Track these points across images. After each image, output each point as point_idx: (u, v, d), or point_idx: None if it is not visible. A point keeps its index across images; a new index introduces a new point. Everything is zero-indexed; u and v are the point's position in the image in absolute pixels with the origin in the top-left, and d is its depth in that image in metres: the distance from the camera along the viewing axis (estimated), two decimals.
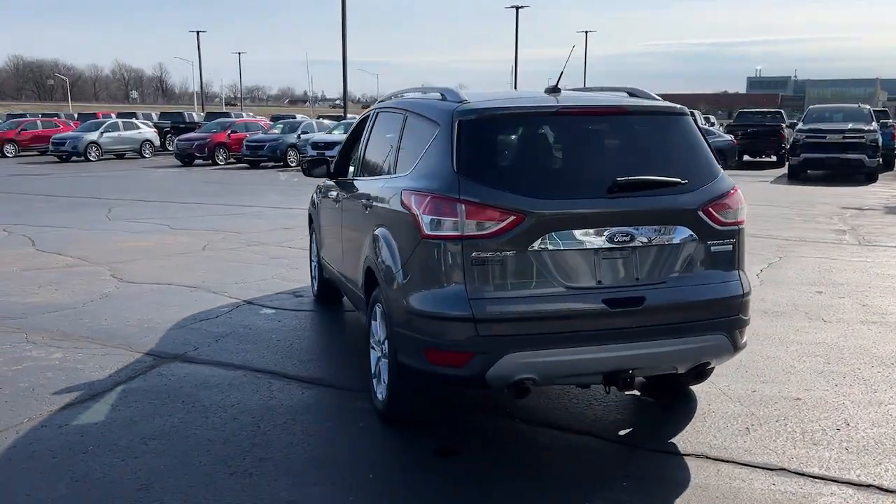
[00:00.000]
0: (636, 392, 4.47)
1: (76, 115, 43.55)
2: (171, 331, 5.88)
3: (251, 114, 45.31)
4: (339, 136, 26.29)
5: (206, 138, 28.26)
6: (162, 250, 9.50)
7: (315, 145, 25.85)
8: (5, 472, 3.59)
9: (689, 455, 3.75)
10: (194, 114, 43.06)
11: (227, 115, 39.91)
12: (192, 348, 5.44)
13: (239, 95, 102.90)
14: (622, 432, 4.07)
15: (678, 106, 4.01)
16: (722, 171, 3.89)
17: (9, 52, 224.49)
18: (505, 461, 3.71)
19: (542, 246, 3.45)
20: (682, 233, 3.66)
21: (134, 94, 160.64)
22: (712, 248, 3.75)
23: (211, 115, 39.91)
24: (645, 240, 3.59)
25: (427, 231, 3.48)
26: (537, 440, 3.97)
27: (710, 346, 3.72)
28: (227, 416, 4.21)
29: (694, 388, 4.52)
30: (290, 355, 5.27)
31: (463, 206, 3.41)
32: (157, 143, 33.08)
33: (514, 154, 3.76)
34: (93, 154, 30.41)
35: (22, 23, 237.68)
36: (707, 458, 3.72)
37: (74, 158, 29.98)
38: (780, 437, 3.93)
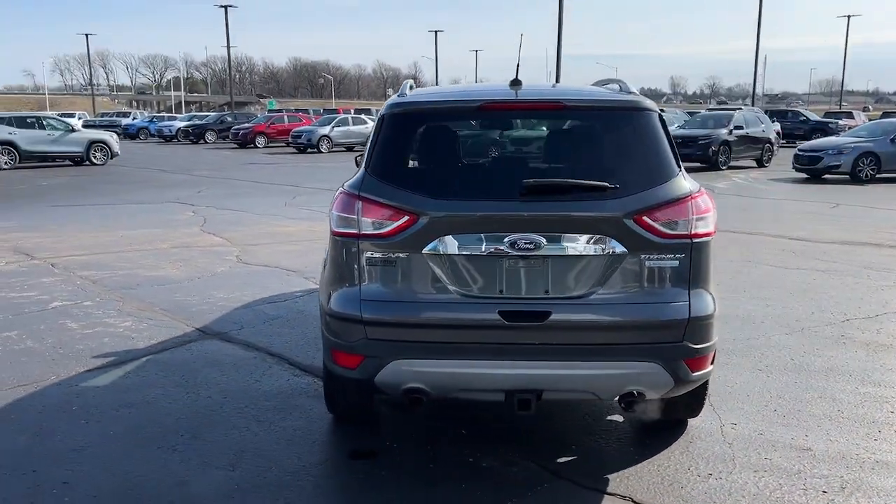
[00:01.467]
0: (617, 416, 4.05)
1: (322, 111, 47.62)
2: (235, 310, 6.30)
3: None
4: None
5: None
6: (301, 235, 10.15)
7: None
8: None
9: (612, 494, 3.33)
10: None
11: None
12: (237, 328, 5.79)
13: None
14: (562, 459, 3.69)
15: (637, 101, 3.51)
16: (679, 174, 3.37)
17: (290, 54, 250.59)
18: (414, 469, 3.54)
19: (437, 249, 3.23)
20: (605, 243, 3.22)
21: (390, 91, 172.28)
22: (648, 262, 3.26)
23: None
24: (557, 249, 3.22)
25: (333, 228, 3.42)
26: (459, 452, 3.73)
27: (638, 375, 3.25)
28: (202, 395, 4.45)
29: (696, 419, 4.00)
30: (310, 344, 5.42)
31: (360, 204, 3.30)
32: None
33: (424, 151, 3.54)
34: (324, 146, 33.18)
35: (302, 29, 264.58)
36: (632, 501, 3.27)
37: (310, 150, 32.91)
38: (744, 491, 3.34)
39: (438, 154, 3.51)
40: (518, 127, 3.53)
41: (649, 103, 3.48)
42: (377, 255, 3.28)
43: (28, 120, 24.86)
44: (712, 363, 3.47)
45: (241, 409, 4.24)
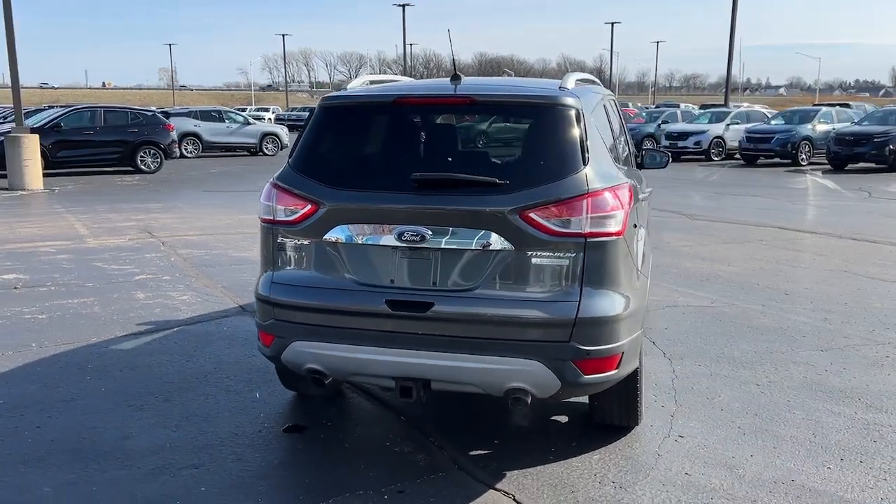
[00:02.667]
0: (562, 416, 4.01)
1: None
2: None
3: (640, 105, 44.79)
4: (698, 125, 25.02)
5: None
6: None
7: (669, 135, 25.00)
8: (18, 372, 4.78)
9: (498, 490, 3.33)
10: None
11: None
12: None
13: (654, 82, 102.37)
14: (475, 452, 3.71)
15: (548, 97, 3.44)
16: (583, 170, 3.27)
17: (476, 49, 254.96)
18: (330, 448, 3.74)
19: (335, 238, 3.38)
20: (491, 239, 3.22)
21: None
22: (535, 260, 3.21)
23: None
24: (444, 243, 3.26)
25: (259, 215, 3.67)
26: (383, 436, 3.84)
27: (520, 372, 3.22)
28: (197, 364, 4.89)
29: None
30: None
31: (275, 193, 3.54)
32: None
33: (337, 144, 3.64)
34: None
35: (489, 25, 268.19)
36: (513, 499, 3.27)
37: None
38: None
39: (348, 147, 3.63)
40: (432, 122, 3.60)
41: (564, 100, 3.40)
42: (287, 241, 3.50)
43: (211, 113, 27.43)
44: (619, 367, 3.35)
45: (221, 379, 4.62)
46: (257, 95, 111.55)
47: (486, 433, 3.91)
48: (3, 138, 16.40)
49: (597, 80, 4.88)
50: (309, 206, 3.41)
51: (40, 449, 3.69)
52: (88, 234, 9.92)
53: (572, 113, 3.38)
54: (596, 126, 3.60)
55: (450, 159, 3.41)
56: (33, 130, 16.83)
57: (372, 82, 4.09)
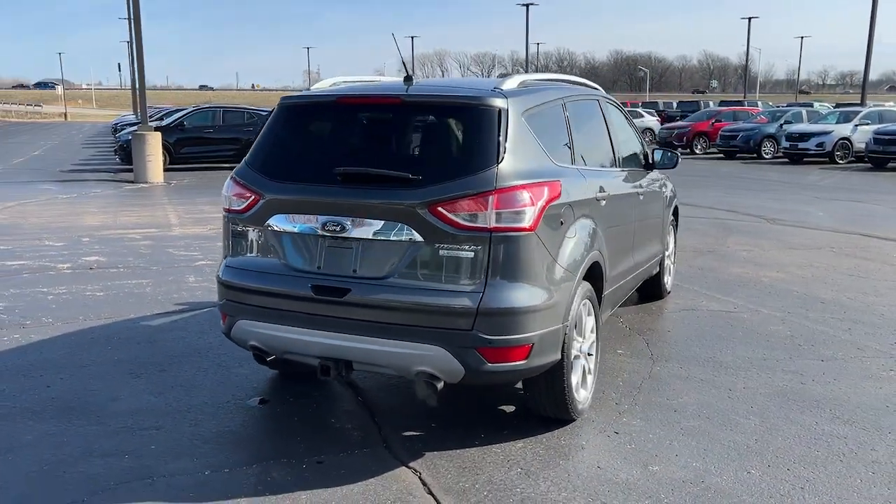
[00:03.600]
0: (510, 406, 4.15)
1: (661, 105, 45.90)
2: None
3: (771, 103, 42.45)
4: (822, 126, 23.65)
5: (686, 127, 28.36)
6: None
7: (790, 136, 23.77)
8: (56, 340, 5.43)
9: (409, 468, 3.54)
10: (712, 103, 42.65)
11: (739, 103, 38.42)
12: None
13: (796, 80, 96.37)
14: (409, 433, 3.92)
15: (469, 96, 3.60)
16: (494, 167, 3.41)
17: (611, 47, 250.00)
18: (278, 420, 4.07)
19: (273, 226, 3.71)
20: (401, 230, 3.43)
21: (714, 82, 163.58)
22: (442, 252, 3.40)
23: (724, 104, 38.98)
24: (361, 233, 3.51)
25: (223, 205, 4.06)
26: (328, 413, 4.12)
27: (427, 357, 3.41)
28: (206, 340, 5.37)
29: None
30: None
31: (230, 184, 3.91)
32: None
33: (283, 140, 3.90)
34: None
35: (626, 22, 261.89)
36: (420, 477, 3.48)
37: None
38: (528, 493, 3.35)
39: (292, 143, 3.92)
40: (366, 121, 3.83)
41: (486, 100, 3.55)
42: (238, 228, 3.86)
43: None
44: (528, 358, 3.47)
45: (220, 355, 5.07)
46: None
47: (429, 417, 4.11)
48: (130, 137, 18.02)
49: (572, 80, 4.94)
50: (253, 197, 3.75)
51: (40, 405, 4.24)
52: (176, 224, 10.83)
53: (491, 112, 3.53)
54: (531, 125, 3.72)
55: (375, 155, 3.64)
56: (158, 129, 18.38)
57: (347, 83, 4.38)
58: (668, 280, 6.61)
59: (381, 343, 3.46)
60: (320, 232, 3.57)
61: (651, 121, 34.09)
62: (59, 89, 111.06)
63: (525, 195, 3.42)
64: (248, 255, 3.84)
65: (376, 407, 4.26)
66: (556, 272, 3.62)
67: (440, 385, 3.50)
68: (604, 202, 4.32)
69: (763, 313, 6.12)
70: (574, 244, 3.79)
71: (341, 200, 3.53)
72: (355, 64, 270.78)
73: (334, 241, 3.56)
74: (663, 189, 6.12)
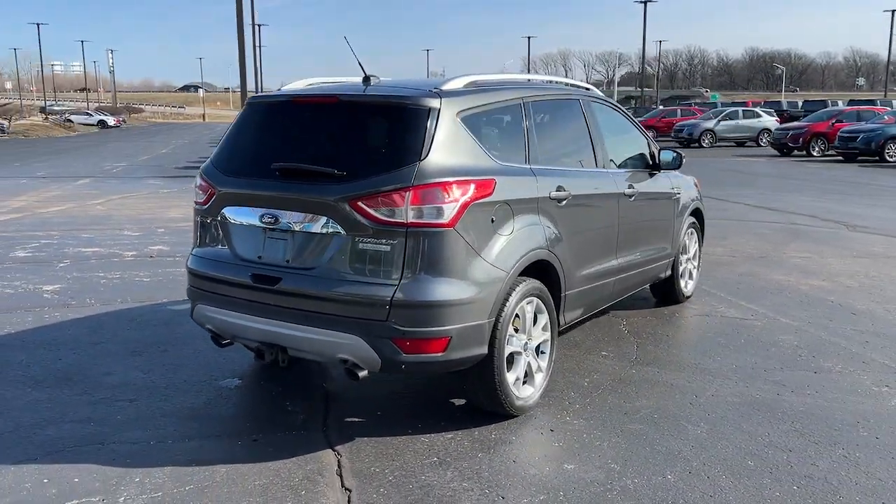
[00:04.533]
0: (461, 400, 4.25)
1: (761, 104, 44.18)
2: None
3: None
4: None
5: (803, 128, 26.87)
6: None
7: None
8: (85, 319, 5.98)
9: (333, 449, 3.73)
10: (840, 102, 40.04)
11: (872, 102, 35.79)
12: None
13: None
14: (350, 419, 4.10)
15: (398, 96, 3.72)
16: (415, 165, 3.52)
17: (747, 44, 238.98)
18: (238, 400, 4.36)
19: (224, 218, 3.98)
20: (327, 224, 3.61)
21: (860, 80, 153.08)
22: (362, 245, 3.55)
23: (853, 103, 36.45)
24: (294, 225, 3.71)
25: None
26: (286, 398, 4.35)
27: (343, 345, 3.58)
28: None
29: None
30: None
31: (197, 178, 4.22)
32: None
33: (240, 137, 4.11)
34: (706, 141, 32.12)
35: (763, 18, 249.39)
36: (338, 460, 3.65)
37: (692, 145, 32.22)
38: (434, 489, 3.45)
39: (247, 140, 4.14)
40: (309, 118, 4.00)
41: (417, 100, 3.68)
42: (200, 220, 4.17)
43: None
44: (447, 351, 3.57)
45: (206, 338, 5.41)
46: None
47: (379, 406, 4.27)
48: None
49: (552, 80, 4.94)
50: (210, 191, 4.05)
51: (44, 375, 4.72)
52: None
53: (419, 112, 3.65)
54: (468, 125, 3.81)
55: (311, 152, 3.83)
56: None
57: (321, 84, 4.60)
58: (687, 285, 6.44)
59: (307, 330, 3.66)
60: (259, 224, 3.81)
61: (769, 121, 32.53)
62: (201, 92, 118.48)
63: (443, 192, 3.52)
64: (209, 244, 4.13)
65: (335, 394, 4.46)
66: (481, 268, 3.68)
67: (363, 373, 3.65)
68: (564, 202, 4.32)
69: (780, 322, 5.86)
70: (509, 241, 3.83)
71: (277, 194, 3.75)
72: (480, 64, 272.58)
73: (272, 232, 3.79)
74: (675, 191, 5.98)
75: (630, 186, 5.15)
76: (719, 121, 32.47)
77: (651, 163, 5.67)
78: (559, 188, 4.30)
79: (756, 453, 3.66)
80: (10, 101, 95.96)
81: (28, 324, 5.81)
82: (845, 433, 3.88)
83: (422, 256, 3.50)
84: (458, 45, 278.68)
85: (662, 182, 5.76)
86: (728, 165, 22.64)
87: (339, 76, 4.64)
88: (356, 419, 4.10)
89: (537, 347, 4.20)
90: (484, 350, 3.73)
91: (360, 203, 3.51)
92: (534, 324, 4.15)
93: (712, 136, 32.09)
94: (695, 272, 6.61)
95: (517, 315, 3.98)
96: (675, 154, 5.69)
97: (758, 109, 34.68)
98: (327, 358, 3.73)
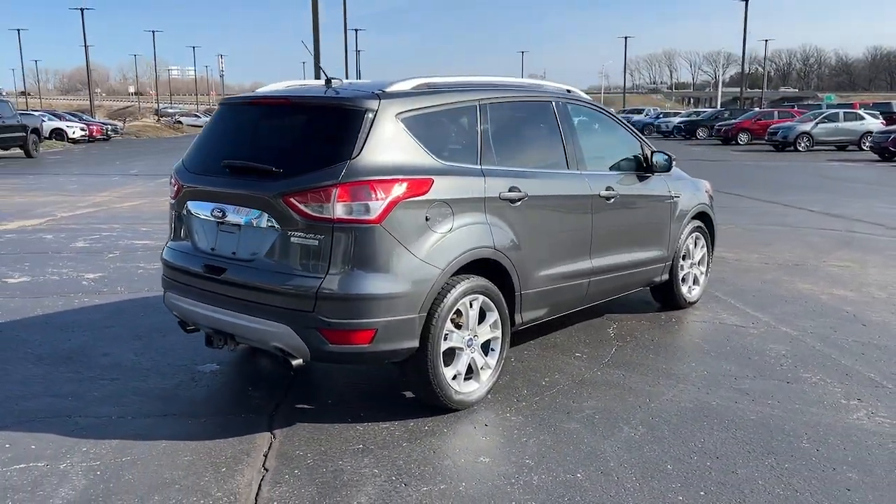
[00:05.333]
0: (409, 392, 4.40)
1: (870, 105, 41.75)
2: None
3: None
4: None
5: None
6: None
7: None
8: (108, 305, 6.45)
9: (270, 432, 3.95)
10: None
11: None
12: None
13: None
14: (302, 406, 4.31)
15: (341, 98, 3.89)
16: (345, 163, 3.68)
17: (868, 43, 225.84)
18: (208, 385, 4.65)
19: (189, 212, 4.27)
20: (262, 218, 3.83)
21: None
22: (293, 238, 3.74)
23: None
24: (238, 219, 3.95)
25: None
26: (254, 386, 4.60)
27: (276, 334, 3.78)
28: None
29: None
30: None
31: (171, 177, 4.54)
32: None
33: (207, 136, 4.36)
34: (802, 144, 30.73)
35: (882, 14, 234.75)
36: (271, 440, 3.87)
37: (787, 148, 30.91)
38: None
39: (210, 139, 4.37)
40: (263, 118, 4.22)
41: (355, 102, 3.84)
42: (173, 213, 4.48)
43: None
44: (373, 343, 3.72)
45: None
46: (615, 98, 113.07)
47: (334, 395, 4.48)
48: None
49: (516, 84, 4.96)
50: (177, 186, 4.35)
51: (49, 354, 5.16)
52: None
53: (355, 113, 3.82)
54: (409, 126, 3.95)
55: (258, 150, 4.05)
56: None
57: (292, 86, 4.83)
58: (691, 290, 6.32)
59: (246, 319, 3.89)
60: (211, 218, 4.07)
61: (873, 124, 30.78)
62: None
63: (370, 190, 3.67)
64: (180, 237, 4.43)
65: (299, 382, 4.68)
66: (410, 264, 3.80)
67: (296, 362, 3.85)
68: (519, 202, 4.38)
69: (778, 331, 5.69)
70: (445, 239, 3.93)
71: (225, 190, 4.01)
72: (579, 65, 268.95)
73: (222, 225, 4.04)
74: (672, 195, 5.89)
75: (608, 189, 5.13)
76: (817, 123, 30.95)
77: (645, 166, 5.62)
78: (512, 189, 4.36)
79: (680, 458, 3.63)
80: (132, 104, 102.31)
81: (57, 308, 6.32)
82: (786, 444, 3.79)
83: (348, 251, 3.66)
84: (556, 45, 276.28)
85: (656, 185, 5.70)
86: (815, 170, 21.60)
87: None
88: (306, 406, 4.30)
89: (485, 344, 4.28)
90: (415, 344, 3.85)
91: (291, 199, 3.71)
92: (480, 321, 4.23)
93: (809, 140, 30.64)
94: (702, 278, 6.47)
95: (459, 311, 4.08)
96: (666, 156, 5.63)
97: (861, 111, 32.81)
98: (263, 345, 3.95)
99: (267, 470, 3.52)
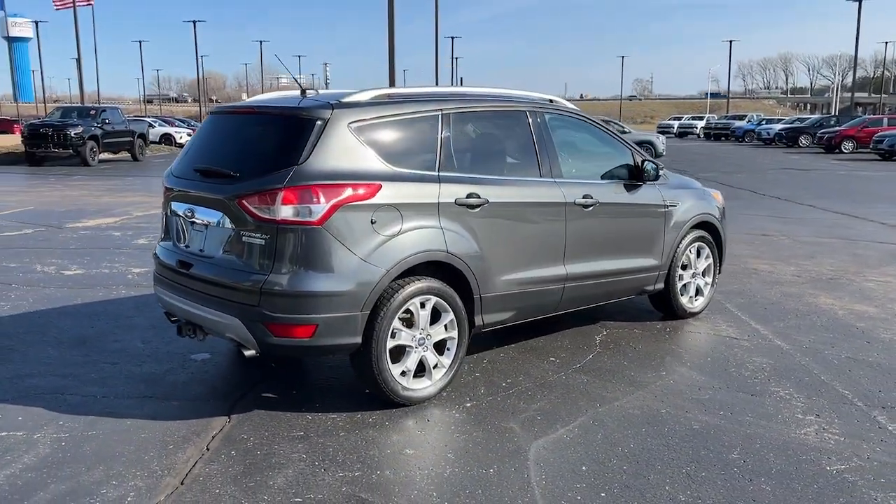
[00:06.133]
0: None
1: None
2: None
3: None
4: None
5: None
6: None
7: None
8: (136, 298, 6.99)
9: (229, 416, 4.27)
10: None
11: None
12: None
13: None
14: (267, 395, 4.62)
15: (294, 107, 4.17)
16: (291, 169, 3.94)
17: None
18: (196, 373, 5.03)
19: (172, 212, 4.67)
20: (222, 218, 4.16)
21: None
22: (244, 237, 4.05)
23: None
24: (204, 219, 4.30)
25: None
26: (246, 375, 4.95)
27: (228, 325, 4.10)
28: None
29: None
30: None
31: (163, 181, 4.95)
32: None
33: (193, 143, 4.70)
34: None
35: None
36: (228, 419, 4.20)
37: (893, 157, 29.28)
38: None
39: (195, 146, 4.73)
40: (235, 126, 4.55)
41: (307, 111, 4.12)
42: (163, 213, 4.89)
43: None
44: (314, 337, 3.98)
45: None
46: (713, 104, 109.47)
47: (299, 385, 4.76)
48: None
49: (493, 94, 5.10)
50: (165, 189, 4.76)
51: (71, 338, 5.69)
52: None
53: (305, 121, 4.10)
54: (361, 133, 4.19)
55: (225, 156, 4.39)
56: None
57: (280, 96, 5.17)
58: (693, 301, 6.26)
59: (207, 310, 4.23)
60: (185, 217, 4.44)
61: None
62: None
63: (312, 194, 3.93)
64: (166, 235, 4.84)
65: (277, 372, 4.99)
66: (353, 264, 4.03)
67: (248, 353, 4.15)
68: (479, 208, 4.53)
69: (771, 344, 5.58)
70: (392, 242, 4.14)
71: (195, 192, 4.37)
72: (689, 69, 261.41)
73: (192, 224, 4.41)
74: (666, 204, 5.86)
75: (586, 197, 5.19)
76: None
77: (636, 175, 5.65)
78: (471, 195, 4.51)
79: (600, 461, 3.70)
80: None
81: (96, 298, 6.91)
82: (714, 454, 3.79)
83: (291, 251, 3.94)
84: (664, 49, 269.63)
85: (647, 194, 5.70)
86: None
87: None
88: (271, 395, 4.60)
89: (441, 344, 4.46)
90: (357, 340, 4.08)
91: (243, 201, 4.03)
92: (435, 321, 4.41)
93: None
94: (707, 289, 6.38)
95: (409, 311, 4.28)
96: (653, 165, 5.63)
97: None
98: (220, 335, 4.28)
99: (208, 450, 3.83)
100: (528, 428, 4.08)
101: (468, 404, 4.42)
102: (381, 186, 4.13)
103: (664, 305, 6.19)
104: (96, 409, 4.35)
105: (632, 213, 5.62)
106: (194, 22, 64.63)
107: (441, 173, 4.46)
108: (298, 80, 4.78)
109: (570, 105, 5.59)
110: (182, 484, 3.48)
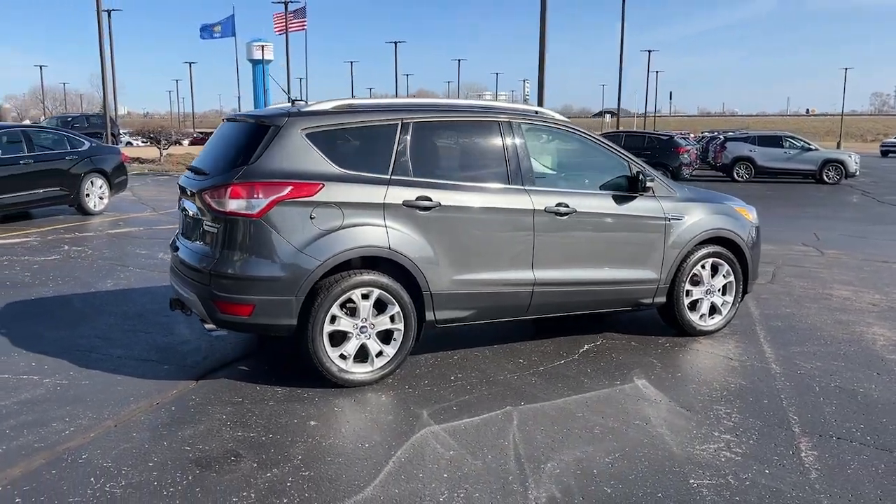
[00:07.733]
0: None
1: None
2: None
3: None
4: None
5: None
6: None
7: None
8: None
9: (193, 380, 4.97)
10: None
11: None
12: None
13: None
14: (241, 367, 5.26)
15: (256, 115, 4.78)
16: (241, 168, 4.55)
17: None
18: (188, 354, 5.81)
19: (179, 207, 5.47)
20: (196, 210, 4.86)
21: None
22: (205, 226, 4.72)
23: None
24: (189, 211, 5.03)
25: None
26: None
27: (193, 301, 4.78)
28: None
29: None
30: None
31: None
32: None
33: (204, 147, 5.51)
34: None
35: None
36: (192, 387, 4.89)
37: None
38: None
39: (204, 149, 5.50)
40: (228, 131, 5.18)
41: (264, 119, 4.73)
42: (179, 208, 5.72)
43: (769, 138, 27.26)
44: (252, 315, 4.56)
45: None
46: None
47: (277, 362, 5.33)
48: None
49: (468, 105, 5.39)
50: (180, 187, 5.58)
51: (132, 311, 6.70)
52: None
53: (261, 128, 4.72)
54: (314, 139, 4.72)
55: (212, 157, 5.09)
56: None
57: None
58: (705, 318, 6.05)
59: (182, 288, 4.96)
60: (183, 210, 5.22)
61: None
62: (607, 117, 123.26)
63: (254, 190, 4.51)
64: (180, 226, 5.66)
65: (263, 348, 5.62)
66: (288, 254, 4.54)
67: (209, 325, 4.81)
68: (431, 210, 4.87)
69: (766, 367, 5.33)
70: (331, 236, 4.58)
71: (187, 188, 5.12)
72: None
73: (185, 216, 5.17)
74: (667, 217, 5.75)
75: (560, 205, 5.30)
76: None
77: (632, 186, 5.66)
78: (421, 198, 4.86)
79: (472, 450, 3.90)
80: None
81: (156, 282, 7.91)
82: (577, 459, 3.85)
83: (235, 238, 4.55)
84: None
85: (643, 206, 5.67)
86: None
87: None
88: (244, 367, 5.21)
89: (384, 333, 4.84)
90: (293, 321, 4.59)
91: (204, 194, 4.70)
92: (378, 312, 4.81)
93: None
94: (725, 308, 6.15)
95: (351, 300, 4.72)
96: (650, 177, 5.61)
97: None
98: (194, 310, 4.97)
99: (157, 405, 4.51)
100: (435, 415, 4.35)
101: (403, 391, 4.75)
102: (322, 186, 4.61)
103: (670, 320, 6.06)
104: (105, 365, 5.20)
105: (620, 223, 5.61)
106: (395, 43, 68.59)
107: (393, 177, 4.84)
108: (288, 93, 5.40)
109: (558, 117, 5.71)
110: (115, 427, 4.17)
